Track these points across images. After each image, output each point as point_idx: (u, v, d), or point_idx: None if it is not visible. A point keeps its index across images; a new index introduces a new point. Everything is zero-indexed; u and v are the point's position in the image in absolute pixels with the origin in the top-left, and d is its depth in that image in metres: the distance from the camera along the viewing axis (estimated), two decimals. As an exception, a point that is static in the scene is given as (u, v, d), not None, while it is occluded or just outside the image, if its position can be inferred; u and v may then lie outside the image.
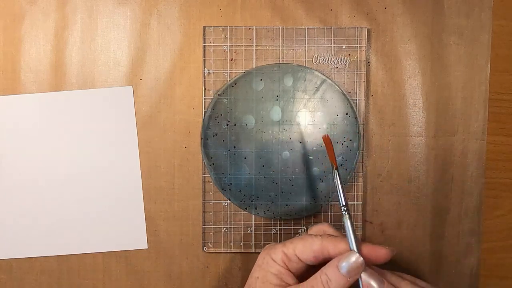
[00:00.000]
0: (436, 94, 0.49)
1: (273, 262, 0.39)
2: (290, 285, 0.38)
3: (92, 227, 0.50)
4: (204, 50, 0.49)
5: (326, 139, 0.44)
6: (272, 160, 0.49)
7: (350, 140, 0.49)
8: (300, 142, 0.49)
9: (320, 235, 0.39)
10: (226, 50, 0.49)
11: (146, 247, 0.50)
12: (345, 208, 0.39)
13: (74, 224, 0.50)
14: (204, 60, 0.49)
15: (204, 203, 0.50)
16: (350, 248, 0.37)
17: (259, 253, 0.42)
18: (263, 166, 0.49)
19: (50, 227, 0.50)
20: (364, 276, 0.37)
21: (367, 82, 0.49)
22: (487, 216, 0.50)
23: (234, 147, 0.49)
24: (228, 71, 0.49)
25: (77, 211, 0.50)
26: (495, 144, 0.50)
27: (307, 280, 0.37)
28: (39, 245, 0.50)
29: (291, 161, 0.49)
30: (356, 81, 0.49)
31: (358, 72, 0.49)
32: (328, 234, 0.40)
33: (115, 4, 0.49)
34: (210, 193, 0.50)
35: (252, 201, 0.49)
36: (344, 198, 0.40)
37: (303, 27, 0.49)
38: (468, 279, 0.50)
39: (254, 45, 0.49)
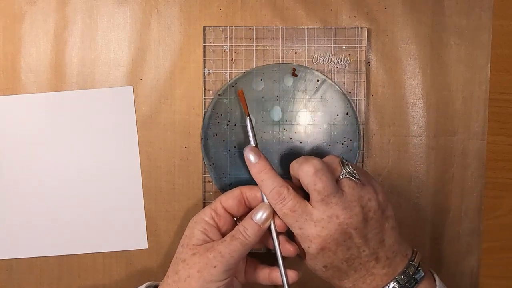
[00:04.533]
0: (436, 94, 0.49)
1: (201, 219, 0.43)
2: (214, 240, 0.42)
3: (92, 227, 0.50)
4: (204, 50, 0.49)
5: (240, 94, 0.47)
6: (272, 160, 0.49)
7: (350, 140, 0.49)
8: (300, 142, 0.49)
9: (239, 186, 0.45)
10: (226, 50, 0.49)
11: (146, 247, 0.50)
12: None
13: (74, 224, 0.50)
14: (204, 60, 0.49)
15: (204, 203, 0.50)
16: (262, 198, 0.44)
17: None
18: (263, 166, 0.49)
19: (50, 227, 0.50)
20: (273, 223, 0.43)
21: (367, 82, 0.49)
22: (487, 216, 0.50)
23: (234, 147, 0.49)
24: (228, 71, 0.49)
25: (77, 211, 0.50)
26: (495, 144, 0.50)
27: (230, 232, 0.42)
28: (39, 245, 0.50)
29: (291, 161, 0.49)
30: (356, 81, 0.49)
31: (358, 72, 0.49)
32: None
33: (115, 4, 0.49)
34: (210, 193, 0.50)
35: (252, 201, 0.49)
36: (255, 141, 0.45)
37: (303, 27, 0.49)
38: (468, 279, 0.50)
39: (254, 45, 0.49)
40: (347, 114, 0.48)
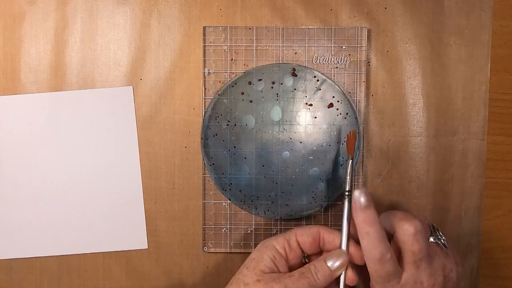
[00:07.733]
0: (436, 94, 0.49)
1: (273, 246, 0.42)
2: (281, 272, 0.41)
3: (92, 227, 0.50)
4: (204, 50, 0.49)
5: (353, 135, 0.45)
6: (272, 160, 0.49)
7: (350, 140, 0.49)
8: (300, 142, 0.49)
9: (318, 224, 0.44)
10: (226, 50, 0.49)
11: (146, 247, 0.50)
12: (347, 194, 0.42)
13: (74, 224, 0.50)
14: (204, 60, 0.49)
15: (204, 203, 0.50)
16: (340, 245, 0.41)
17: None
18: (263, 166, 0.49)
19: (50, 227, 0.50)
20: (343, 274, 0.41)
21: (367, 82, 0.49)
22: (487, 216, 0.50)
23: (234, 147, 0.49)
24: (228, 71, 0.49)
25: (77, 211, 0.50)
26: (495, 144, 0.50)
27: (299, 269, 0.40)
28: (39, 245, 0.50)
29: (291, 161, 0.49)
30: (356, 81, 0.49)
31: (358, 72, 0.49)
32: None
33: (115, 4, 0.49)
34: (210, 193, 0.50)
35: (252, 201, 0.49)
36: (351, 185, 0.43)
37: (303, 27, 0.49)
38: (468, 279, 0.50)
39: (254, 45, 0.49)
40: (347, 114, 0.48)
